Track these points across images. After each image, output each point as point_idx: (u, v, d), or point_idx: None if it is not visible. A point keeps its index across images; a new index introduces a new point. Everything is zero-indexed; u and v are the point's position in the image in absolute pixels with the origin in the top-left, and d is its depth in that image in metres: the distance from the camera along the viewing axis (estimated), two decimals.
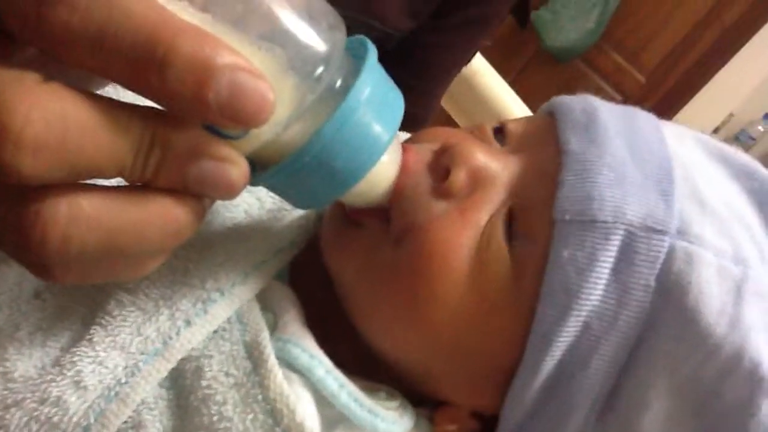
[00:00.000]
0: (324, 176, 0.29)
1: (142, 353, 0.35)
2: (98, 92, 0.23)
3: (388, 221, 0.39)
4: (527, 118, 0.46)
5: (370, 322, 0.40)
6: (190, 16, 0.23)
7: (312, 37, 0.26)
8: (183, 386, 0.36)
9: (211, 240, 0.41)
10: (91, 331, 0.36)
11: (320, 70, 0.26)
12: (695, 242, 0.35)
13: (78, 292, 0.39)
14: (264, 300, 0.40)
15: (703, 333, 0.34)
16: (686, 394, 0.36)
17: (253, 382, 0.35)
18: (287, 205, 0.46)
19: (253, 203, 0.45)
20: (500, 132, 0.44)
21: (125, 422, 0.34)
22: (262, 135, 0.26)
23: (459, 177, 0.38)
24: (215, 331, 0.37)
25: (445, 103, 1.05)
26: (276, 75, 0.25)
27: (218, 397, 0.35)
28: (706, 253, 0.35)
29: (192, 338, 0.36)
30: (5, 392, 0.34)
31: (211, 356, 0.36)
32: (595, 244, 0.35)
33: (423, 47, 0.78)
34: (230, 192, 0.25)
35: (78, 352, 0.35)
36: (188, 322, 0.36)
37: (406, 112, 0.31)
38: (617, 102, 0.44)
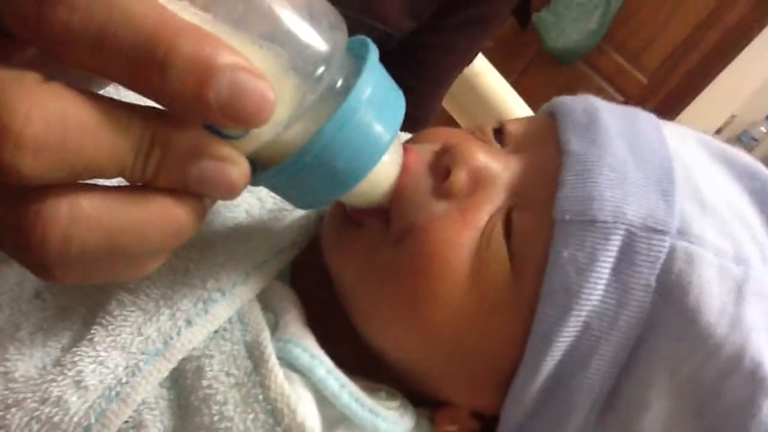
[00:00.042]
0: (325, 176, 0.29)
1: (143, 353, 0.35)
2: (99, 92, 0.23)
3: (389, 221, 0.39)
4: (527, 119, 0.46)
5: (370, 322, 0.40)
6: (190, 15, 0.23)
7: (313, 37, 0.26)
8: (184, 386, 0.36)
9: (212, 240, 0.41)
10: (92, 331, 0.36)
11: (321, 69, 0.26)
12: (696, 242, 0.35)
13: (78, 292, 0.39)
14: (265, 300, 0.40)
15: (703, 333, 0.34)
16: (687, 395, 0.36)
17: (254, 381, 0.35)
18: (288, 205, 0.46)
19: (254, 203, 0.46)
20: (499, 133, 0.44)
21: (126, 422, 0.34)
22: (263, 135, 0.26)
23: (459, 177, 0.38)
24: (216, 331, 0.37)
25: (447, 103, 1.05)
26: (277, 75, 0.25)
27: (219, 397, 0.35)
28: (707, 253, 0.35)
29: (193, 338, 0.36)
30: (6, 392, 0.34)
31: (212, 356, 0.36)
32: (596, 244, 0.35)
33: (424, 48, 0.78)
34: (231, 192, 0.25)
35: (79, 352, 0.35)
36: (189, 322, 0.36)
37: (406, 113, 0.31)
38: (619, 103, 0.44)
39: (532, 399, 0.38)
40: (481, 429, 0.42)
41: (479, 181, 0.39)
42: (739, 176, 0.41)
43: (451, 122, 1.13)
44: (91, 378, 0.34)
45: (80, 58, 0.21)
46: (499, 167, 0.40)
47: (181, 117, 0.23)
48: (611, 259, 0.35)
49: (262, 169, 0.29)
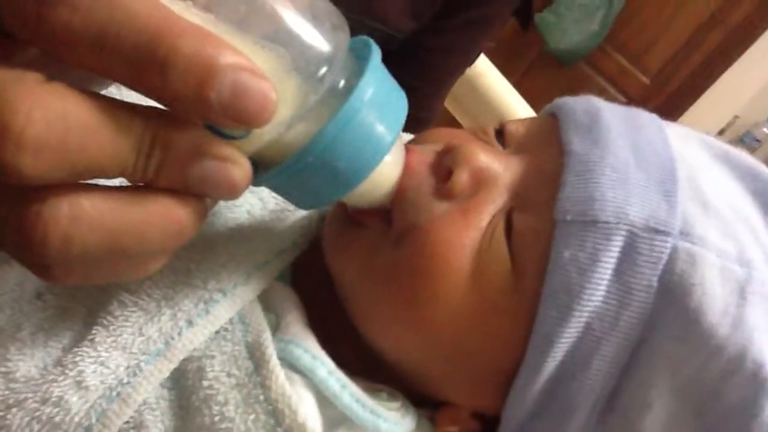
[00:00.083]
0: (326, 177, 0.29)
1: (144, 353, 0.35)
2: (101, 92, 0.23)
3: (390, 222, 0.39)
4: (529, 119, 0.46)
5: (371, 323, 0.40)
6: (192, 16, 0.23)
7: (315, 38, 0.26)
8: (185, 386, 0.36)
9: (214, 240, 0.41)
10: (93, 332, 0.36)
11: (323, 70, 0.26)
12: (698, 243, 0.35)
13: (80, 293, 0.39)
14: (266, 301, 0.40)
15: (705, 334, 0.34)
16: (688, 395, 0.36)
17: (255, 382, 0.35)
18: (290, 206, 0.46)
19: (256, 203, 0.46)
20: (501, 134, 0.44)
21: (127, 422, 0.34)
22: (265, 135, 0.26)
23: (461, 178, 0.38)
24: (217, 332, 0.37)
25: (449, 104, 1.05)
26: (279, 75, 0.25)
27: (220, 398, 0.35)
28: (709, 254, 0.35)
29: (194, 338, 0.36)
30: (7, 392, 0.34)
31: (213, 357, 0.36)
32: (597, 244, 0.35)
33: (425, 49, 0.78)
34: (232, 192, 0.25)
35: (80, 353, 0.35)
36: (190, 323, 0.36)
37: (408, 114, 0.31)
38: (621, 104, 0.44)
39: (534, 399, 0.38)
40: (482, 429, 0.42)
41: (481, 181, 0.39)
42: (742, 177, 0.41)
43: (454, 123, 1.13)
44: (92, 378, 0.34)
45: (81, 58, 0.21)
46: (500, 168, 0.40)
47: (182, 117, 0.23)
48: (613, 260, 0.35)
49: (263, 170, 0.29)
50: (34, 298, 0.38)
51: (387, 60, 0.31)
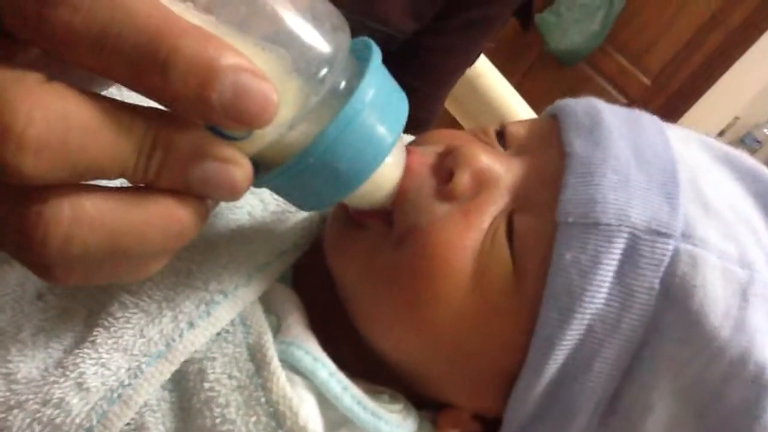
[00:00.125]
0: (328, 178, 0.29)
1: (145, 355, 0.35)
2: (101, 93, 0.22)
3: (391, 223, 0.39)
4: (530, 121, 0.46)
5: (372, 324, 0.40)
6: (193, 17, 0.23)
7: (316, 39, 0.26)
8: (186, 388, 0.36)
9: (215, 242, 0.41)
10: (94, 333, 0.36)
11: (324, 71, 0.26)
12: (700, 245, 0.35)
13: (80, 294, 0.39)
14: (267, 302, 0.40)
15: (707, 336, 0.34)
16: (690, 397, 0.35)
17: (256, 384, 0.35)
18: (291, 207, 0.46)
19: (257, 205, 0.45)
20: (501, 135, 0.44)
21: (128, 424, 0.34)
22: (266, 136, 0.26)
23: (462, 179, 0.38)
24: (218, 334, 0.37)
25: (450, 105, 1.05)
26: (280, 76, 0.25)
27: (221, 400, 0.35)
28: (711, 256, 0.35)
29: (195, 340, 0.36)
30: (8, 394, 0.34)
31: (214, 358, 0.36)
32: (598, 246, 0.35)
33: (426, 50, 0.78)
34: (233, 193, 0.25)
35: (81, 354, 0.35)
36: (191, 324, 0.36)
37: (409, 115, 0.31)
38: (622, 105, 0.44)
39: (535, 402, 0.38)
40: (484, 431, 0.42)
41: (482, 183, 0.39)
42: (743, 179, 0.41)
43: (454, 123, 1.13)
44: (92, 380, 0.34)
45: (82, 59, 0.21)
46: (501, 169, 0.39)
47: (183, 118, 0.23)
48: (614, 262, 0.35)
49: (264, 171, 0.29)
50: (35, 299, 0.38)
51: (387, 61, 0.31)
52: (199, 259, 0.39)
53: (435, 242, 0.37)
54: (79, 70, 0.22)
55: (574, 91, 0.47)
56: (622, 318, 0.35)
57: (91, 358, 0.35)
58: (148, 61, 0.21)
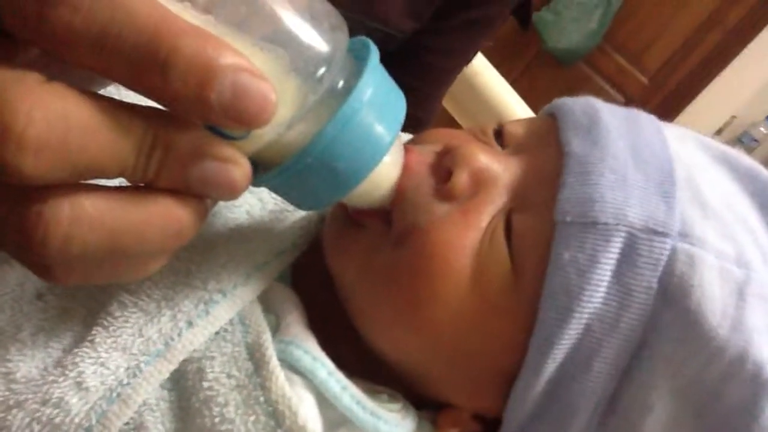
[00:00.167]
0: (326, 177, 0.29)
1: (144, 354, 0.35)
2: (100, 92, 0.23)
3: (390, 222, 0.39)
4: (528, 120, 0.46)
5: (371, 324, 0.40)
6: (192, 17, 0.23)
7: (314, 38, 0.26)
8: (185, 388, 0.36)
9: (213, 241, 0.41)
10: (93, 332, 0.36)
11: (322, 70, 0.26)
12: (697, 244, 0.35)
13: (80, 293, 0.39)
14: (266, 301, 0.40)
15: (705, 335, 0.34)
16: (689, 397, 0.36)
17: (255, 383, 0.35)
18: (289, 206, 0.46)
19: (255, 204, 0.46)
20: (499, 134, 0.44)
21: (127, 424, 0.34)
22: (265, 136, 0.26)
23: (461, 179, 0.38)
24: (217, 333, 0.37)
25: (447, 103, 1.05)
26: (278, 76, 0.25)
27: (220, 399, 0.35)
28: (709, 255, 0.35)
29: (194, 339, 0.36)
30: (7, 393, 0.34)
31: (212, 357, 0.36)
32: (596, 245, 0.35)
33: (425, 49, 0.78)
34: (232, 193, 0.25)
35: (80, 353, 0.35)
36: (190, 323, 0.36)
37: (407, 114, 0.31)
38: (619, 104, 0.44)
39: (534, 401, 0.38)
40: (483, 431, 0.42)
41: (480, 182, 0.39)
42: (740, 178, 0.41)
43: (452, 122, 1.13)
44: (92, 379, 0.34)
45: (82, 58, 0.21)
46: (500, 168, 0.40)
47: (182, 118, 0.23)
48: (612, 261, 0.35)
49: (263, 170, 0.29)
50: (34, 299, 0.38)
51: (386, 60, 0.31)
52: (197, 259, 0.39)
53: (434, 242, 0.37)
54: (78, 70, 0.22)
55: (572, 90, 0.47)
56: (620, 317, 0.35)
57: (90, 358, 0.35)
58: (147, 60, 0.21)
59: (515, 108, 1.07)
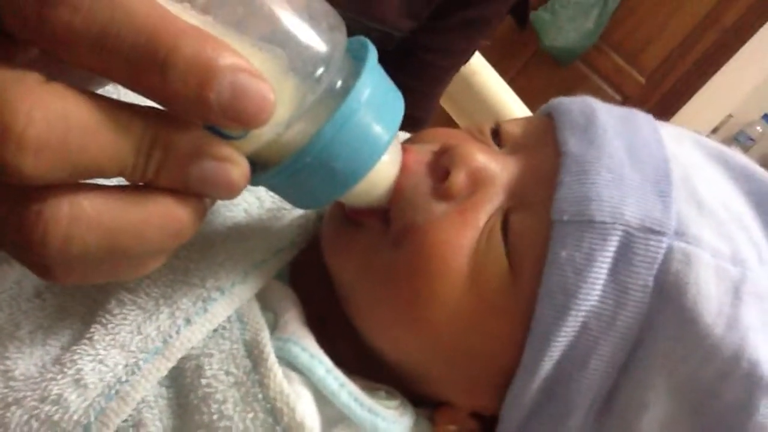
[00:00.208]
0: (324, 176, 0.29)
1: (143, 352, 0.35)
2: (99, 92, 0.23)
3: (388, 221, 0.39)
4: (525, 119, 0.46)
5: (369, 323, 0.40)
6: (191, 18, 0.23)
7: (312, 38, 0.26)
8: (183, 385, 0.36)
9: (212, 239, 0.41)
10: (92, 330, 0.36)
11: (321, 70, 0.26)
12: (693, 243, 0.35)
13: (78, 292, 0.39)
14: (264, 299, 0.40)
15: (701, 333, 0.34)
16: (685, 394, 0.36)
17: (253, 380, 0.35)
18: (287, 205, 0.46)
19: (253, 202, 0.46)
20: (496, 134, 0.44)
21: (125, 420, 0.34)
22: (263, 135, 0.26)
23: (459, 178, 0.38)
24: (215, 330, 0.37)
25: (444, 102, 1.05)
26: (277, 76, 0.25)
27: (218, 396, 0.35)
28: (704, 253, 0.35)
29: (192, 337, 0.36)
30: (6, 390, 0.34)
31: (211, 355, 0.36)
32: (593, 244, 0.35)
33: (423, 48, 0.78)
34: (231, 192, 0.25)
35: (78, 351, 0.35)
36: (188, 321, 0.36)
37: (405, 114, 0.32)
38: (616, 103, 0.44)
39: (531, 399, 0.38)
40: (481, 429, 0.42)
41: (478, 181, 0.39)
42: (736, 177, 0.41)
43: (450, 121, 1.13)
44: (90, 376, 0.34)
45: (82, 58, 0.21)
46: (497, 168, 0.40)
47: (181, 117, 0.23)
48: (609, 260, 0.35)
49: (261, 169, 0.29)
50: (33, 297, 0.38)
51: (384, 59, 0.31)
52: (196, 257, 0.39)
53: (432, 241, 0.37)
54: (77, 70, 0.22)
55: (569, 89, 0.47)
56: (616, 315, 0.36)
57: (88, 355, 0.35)
58: (147, 61, 0.21)
59: (512, 107, 1.07)
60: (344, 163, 0.29)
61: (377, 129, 0.29)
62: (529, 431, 0.40)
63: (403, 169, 0.37)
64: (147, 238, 0.24)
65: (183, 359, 0.36)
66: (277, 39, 0.25)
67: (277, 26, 0.25)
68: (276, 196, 0.43)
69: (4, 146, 0.20)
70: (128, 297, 0.37)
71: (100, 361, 0.34)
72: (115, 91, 0.26)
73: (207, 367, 0.36)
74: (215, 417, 0.34)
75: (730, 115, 2.65)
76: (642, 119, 0.43)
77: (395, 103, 0.31)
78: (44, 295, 0.38)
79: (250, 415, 0.34)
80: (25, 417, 0.33)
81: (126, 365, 0.35)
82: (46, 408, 0.33)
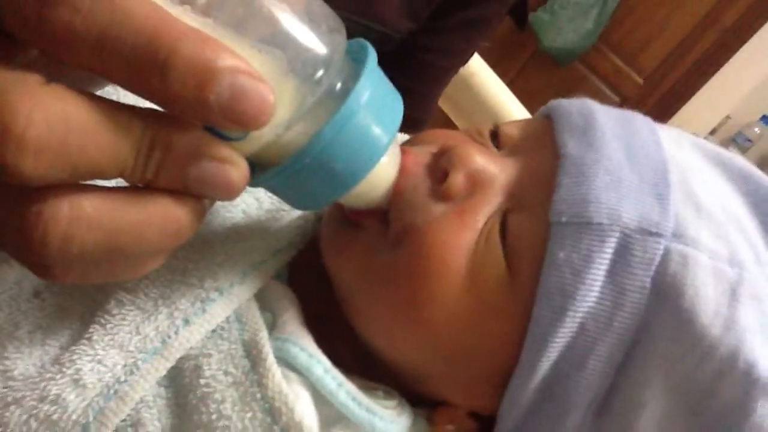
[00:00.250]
0: (323, 178, 0.29)
1: (141, 352, 0.35)
2: (98, 93, 0.23)
3: (387, 223, 0.39)
4: (524, 121, 0.46)
5: (368, 323, 0.40)
6: (191, 20, 0.23)
7: (312, 40, 0.26)
8: (182, 385, 0.36)
9: (211, 240, 0.41)
10: (91, 330, 0.36)
11: (320, 72, 0.26)
12: (691, 244, 0.36)
13: (77, 292, 0.39)
14: (263, 299, 0.40)
15: (698, 334, 0.35)
16: (682, 395, 0.36)
17: (252, 380, 0.35)
18: (285, 206, 0.46)
19: (252, 203, 0.46)
20: (495, 136, 0.44)
21: (124, 420, 0.34)
22: (263, 137, 0.26)
23: (457, 180, 0.38)
24: (214, 330, 0.37)
25: (443, 103, 1.05)
26: (276, 77, 0.25)
27: (217, 396, 0.35)
28: (702, 255, 0.35)
29: (191, 337, 0.36)
30: (5, 390, 0.34)
31: (209, 355, 0.36)
32: (591, 246, 0.35)
33: (422, 49, 0.78)
34: (230, 193, 0.25)
35: (77, 351, 0.35)
36: (187, 321, 0.36)
37: (404, 115, 0.32)
38: (615, 104, 0.45)
39: (529, 399, 0.38)
40: (479, 429, 0.43)
41: (476, 183, 0.39)
42: (734, 179, 0.42)
43: (449, 123, 1.13)
44: (89, 376, 0.34)
45: (81, 59, 0.21)
46: (496, 169, 0.40)
47: (181, 119, 0.23)
48: (607, 261, 0.35)
49: (261, 171, 0.29)
50: (32, 297, 0.38)
51: (383, 61, 0.31)
52: (195, 257, 0.39)
53: (431, 242, 0.37)
54: (76, 71, 0.22)
55: (568, 90, 0.48)
56: (614, 316, 0.36)
57: (87, 355, 0.35)
58: (146, 62, 0.21)
59: (511, 108, 1.07)
60: (344, 164, 0.29)
61: (377, 131, 0.29)
62: (527, 431, 0.40)
63: (402, 170, 0.37)
64: (146, 239, 0.24)
65: (182, 359, 0.36)
66: (277, 41, 0.25)
67: (276, 28, 0.25)
68: (275, 197, 0.43)
69: (4, 147, 0.20)
70: (127, 297, 0.37)
71: (99, 361, 0.34)
72: (115, 92, 0.26)
73: (206, 367, 0.36)
74: (214, 417, 0.34)
75: (728, 117, 2.65)
76: (640, 121, 0.43)
77: (394, 105, 0.31)
78: (43, 295, 0.39)
79: (249, 415, 0.34)
80: (24, 417, 0.33)
81: (125, 365, 0.35)
82: (45, 408, 0.33)
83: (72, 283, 0.37)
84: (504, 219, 0.38)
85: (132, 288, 0.37)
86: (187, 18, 0.23)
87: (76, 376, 0.34)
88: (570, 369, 0.37)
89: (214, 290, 0.38)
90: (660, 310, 0.35)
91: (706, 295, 0.35)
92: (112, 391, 0.34)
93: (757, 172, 0.43)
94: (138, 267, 0.27)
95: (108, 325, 0.36)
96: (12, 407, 0.33)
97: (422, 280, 0.37)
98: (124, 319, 0.36)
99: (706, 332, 0.35)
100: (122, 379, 0.34)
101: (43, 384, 0.34)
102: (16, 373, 0.34)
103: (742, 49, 2.37)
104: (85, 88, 0.22)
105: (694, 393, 0.36)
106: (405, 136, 0.46)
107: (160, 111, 0.23)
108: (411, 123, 0.45)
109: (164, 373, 0.36)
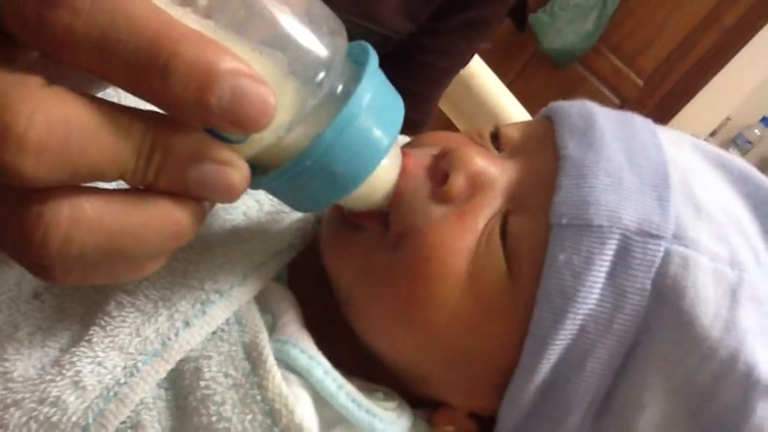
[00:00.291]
0: (324, 180, 0.29)
1: (141, 354, 0.35)
2: (99, 94, 0.23)
3: (387, 225, 0.39)
4: (524, 123, 0.46)
5: (368, 325, 0.40)
6: (192, 22, 0.23)
7: (313, 43, 0.26)
8: (182, 387, 0.36)
9: (211, 242, 0.41)
10: (90, 332, 0.36)
11: (321, 75, 0.26)
12: (691, 246, 0.36)
13: (77, 293, 0.39)
14: (263, 301, 0.40)
15: (698, 336, 0.35)
16: (682, 396, 0.36)
17: (252, 382, 0.35)
18: (286, 208, 0.46)
19: (252, 205, 0.46)
20: (495, 137, 0.44)
21: (124, 422, 0.34)
22: (264, 139, 0.26)
23: (458, 182, 0.38)
24: (214, 332, 0.37)
25: (443, 105, 1.05)
26: (277, 80, 0.25)
27: (217, 398, 0.35)
28: (702, 257, 0.35)
29: (191, 339, 0.36)
30: (4, 392, 0.34)
31: (209, 357, 0.36)
32: (591, 248, 0.35)
33: (422, 50, 0.78)
34: (231, 195, 0.25)
35: (77, 353, 0.35)
36: (187, 323, 0.36)
37: (405, 117, 0.32)
38: (615, 105, 0.45)
39: (529, 401, 0.38)
40: (479, 430, 0.43)
41: (477, 185, 0.39)
42: (734, 181, 0.42)
43: (449, 124, 1.13)
44: (89, 378, 0.34)
45: (82, 61, 0.21)
46: (496, 171, 0.40)
47: (182, 121, 0.23)
48: (607, 263, 0.35)
49: (261, 173, 0.29)
50: (31, 299, 0.38)
51: (383, 62, 0.31)
52: (195, 259, 0.39)
53: (431, 244, 0.37)
54: (76, 72, 0.22)
55: (568, 92, 0.48)
56: (614, 318, 0.36)
57: (87, 357, 0.35)
58: (147, 65, 0.21)
59: (511, 109, 1.07)
60: (344, 166, 0.29)
61: (377, 133, 0.29)
62: None
63: (403, 172, 0.37)
64: (146, 241, 0.24)
65: (182, 361, 0.36)
66: (278, 43, 0.25)
67: (278, 30, 0.25)
68: (275, 199, 0.43)
69: (5, 148, 0.20)
70: (127, 299, 0.37)
71: (99, 363, 0.34)
72: (116, 94, 0.26)
73: (206, 369, 0.36)
74: (214, 419, 0.34)
75: (729, 118, 2.65)
76: (640, 123, 0.43)
77: (395, 107, 0.31)
78: (43, 297, 0.38)
79: (249, 417, 0.34)
80: (24, 418, 0.33)
81: (125, 367, 0.35)
82: (45, 409, 0.33)
83: (72, 285, 0.37)
84: (504, 221, 0.38)
85: (132, 290, 0.37)
86: (189, 20, 0.23)
87: (76, 378, 0.34)
88: (570, 371, 0.37)
89: (214, 292, 0.38)
90: (660, 312, 0.35)
91: (706, 297, 0.35)
92: (112, 393, 0.34)
93: (758, 174, 0.43)
94: (138, 269, 0.27)
95: (108, 327, 0.36)
96: (11, 409, 0.33)
97: (422, 281, 0.37)
98: (124, 321, 0.36)
99: (707, 334, 0.35)
100: (122, 381, 0.34)
101: (42, 386, 0.34)
102: (15, 374, 0.34)
103: (742, 51, 2.37)
104: (85, 90, 0.22)
105: (694, 395, 0.36)
106: (405, 138, 0.46)
107: (161, 113, 0.23)
108: (411, 125, 0.45)
109: (164, 375, 0.36)
